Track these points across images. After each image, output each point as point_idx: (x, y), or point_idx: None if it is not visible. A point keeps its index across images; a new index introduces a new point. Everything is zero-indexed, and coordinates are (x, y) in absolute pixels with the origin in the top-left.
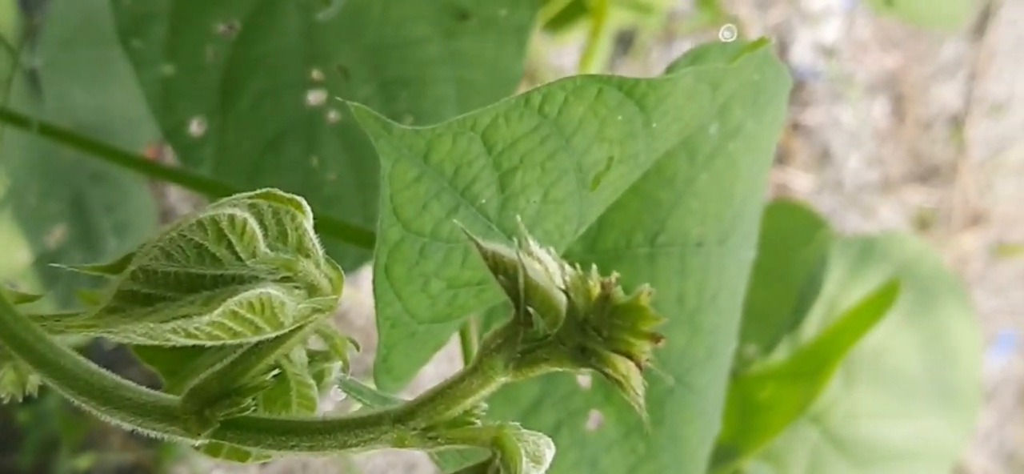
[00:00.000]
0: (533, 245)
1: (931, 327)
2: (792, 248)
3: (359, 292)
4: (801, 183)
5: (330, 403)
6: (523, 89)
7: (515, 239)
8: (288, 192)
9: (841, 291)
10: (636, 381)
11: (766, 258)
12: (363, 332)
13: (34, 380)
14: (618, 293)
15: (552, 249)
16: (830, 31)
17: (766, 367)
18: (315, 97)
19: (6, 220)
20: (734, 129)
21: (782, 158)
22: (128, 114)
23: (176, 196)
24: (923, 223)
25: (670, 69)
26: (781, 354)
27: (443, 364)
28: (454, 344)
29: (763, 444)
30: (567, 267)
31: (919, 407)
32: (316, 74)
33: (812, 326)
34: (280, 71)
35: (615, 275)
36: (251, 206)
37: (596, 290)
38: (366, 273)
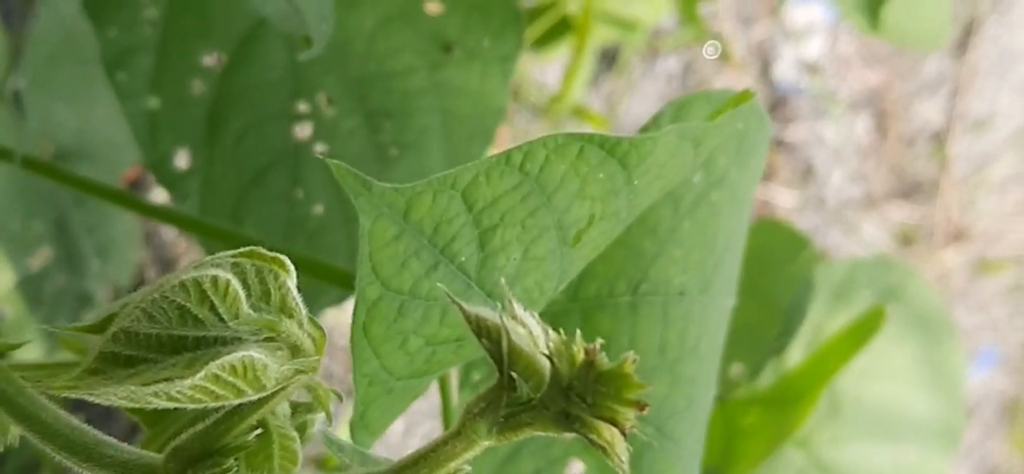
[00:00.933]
0: (517, 308)
1: (916, 351)
2: (775, 266)
3: (342, 314)
4: (784, 199)
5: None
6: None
7: (498, 303)
8: (274, 224)
9: (826, 316)
10: (620, 447)
11: (749, 276)
12: (346, 352)
13: (15, 431)
14: (602, 359)
15: (535, 313)
16: (813, 47)
17: (751, 392)
18: (301, 130)
19: None
20: (718, 178)
21: (765, 174)
22: (111, 134)
23: None
24: (906, 239)
25: (655, 121)
26: (766, 379)
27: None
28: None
29: (747, 471)
30: (551, 332)
31: (904, 430)
32: (302, 107)
33: (797, 351)
34: (266, 104)
35: (599, 341)
36: (234, 265)
37: (580, 356)
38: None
